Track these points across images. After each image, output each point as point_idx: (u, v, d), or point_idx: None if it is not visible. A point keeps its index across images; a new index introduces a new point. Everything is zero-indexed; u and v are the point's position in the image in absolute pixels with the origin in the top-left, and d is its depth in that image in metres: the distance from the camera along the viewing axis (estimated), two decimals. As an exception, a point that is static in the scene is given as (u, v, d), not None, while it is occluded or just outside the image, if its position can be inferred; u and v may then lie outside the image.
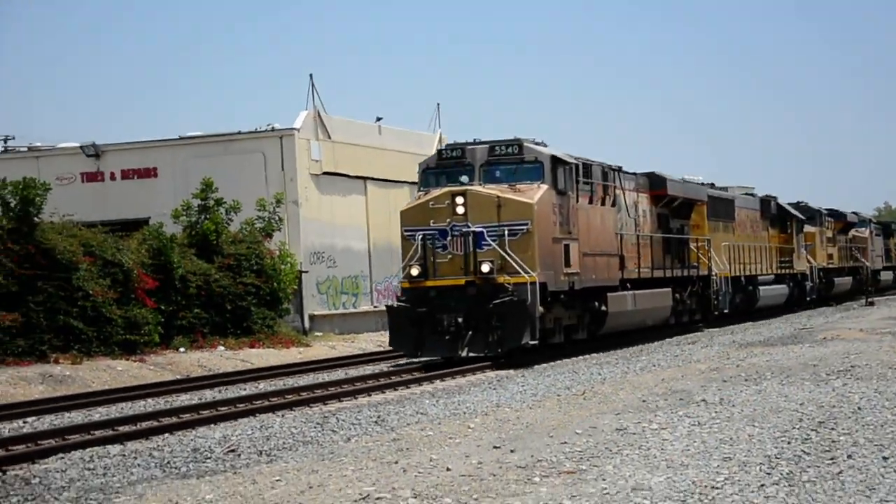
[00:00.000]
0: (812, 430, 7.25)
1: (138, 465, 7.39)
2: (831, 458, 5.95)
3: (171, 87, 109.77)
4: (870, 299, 34.47)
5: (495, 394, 11.55)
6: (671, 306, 21.04)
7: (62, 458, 7.93)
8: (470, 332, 14.72)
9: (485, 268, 14.62)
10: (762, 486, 5.16)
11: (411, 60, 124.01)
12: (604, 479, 5.52)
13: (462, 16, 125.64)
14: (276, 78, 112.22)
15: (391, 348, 16.85)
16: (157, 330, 18.40)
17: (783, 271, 30.14)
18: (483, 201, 14.89)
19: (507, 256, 14.63)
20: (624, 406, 9.34)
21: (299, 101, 26.65)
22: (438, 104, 32.14)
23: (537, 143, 16.12)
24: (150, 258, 19.25)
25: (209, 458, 7.61)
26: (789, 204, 32.35)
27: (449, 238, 14.90)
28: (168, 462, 7.45)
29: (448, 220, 14.73)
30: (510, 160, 15.58)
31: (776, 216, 30.48)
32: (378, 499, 5.31)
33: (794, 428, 7.40)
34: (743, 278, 26.23)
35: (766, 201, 29.91)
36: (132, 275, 18.16)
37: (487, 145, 15.65)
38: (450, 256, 15.02)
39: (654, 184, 21.16)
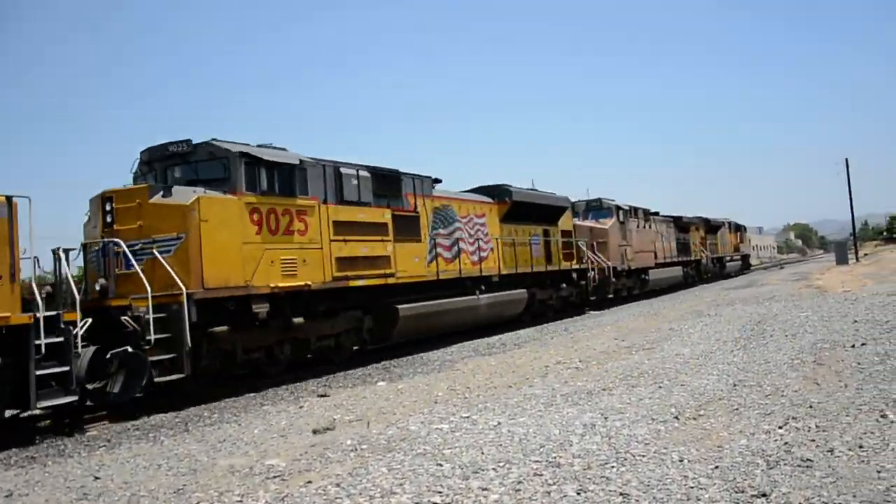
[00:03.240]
0: (755, 324, 14.46)
1: (465, 351, 15.19)
2: (762, 336, 12.94)
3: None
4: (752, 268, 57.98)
5: (616, 315, 21.11)
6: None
7: (433, 352, 15.98)
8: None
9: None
10: (732, 351, 11.93)
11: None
12: (662, 351, 12.41)
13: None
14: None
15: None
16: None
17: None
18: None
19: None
20: (672, 318, 17.63)
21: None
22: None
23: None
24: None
25: (494, 347, 15.49)
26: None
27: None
28: (477, 349, 15.40)
29: None
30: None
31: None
32: (561, 361, 12.23)
33: (747, 324, 14.61)
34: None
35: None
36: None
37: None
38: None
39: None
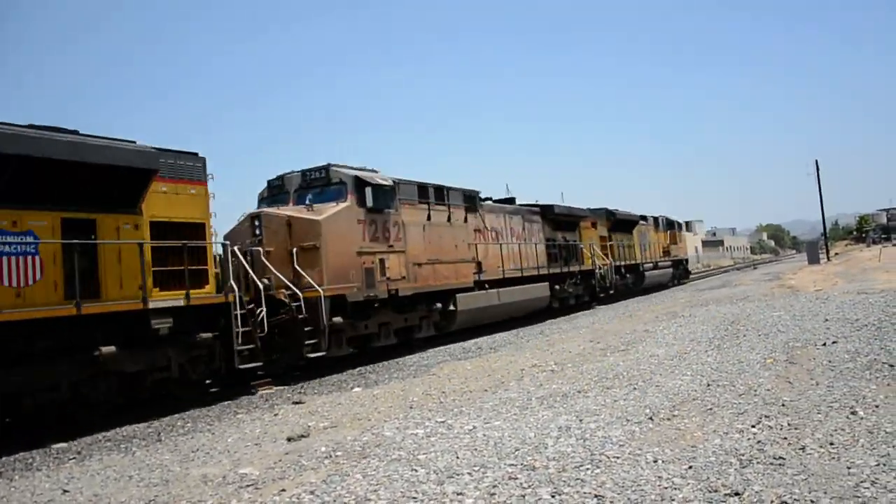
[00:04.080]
0: (728, 324, 14.57)
1: (440, 356, 15.08)
2: (736, 337, 13.04)
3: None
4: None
5: (592, 318, 20.99)
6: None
7: (409, 357, 16.00)
8: None
9: None
10: (706, 350, 12.01)
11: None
12: (637, 352, 12.45)
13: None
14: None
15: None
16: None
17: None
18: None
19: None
20: (647, 319, 17.61)
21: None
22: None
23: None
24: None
25: (470, 351, 15.43)
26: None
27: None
28: (452, 353, 15.35)
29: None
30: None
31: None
32: (537, 364, 12.24)
33: (720, 324, 14.72)
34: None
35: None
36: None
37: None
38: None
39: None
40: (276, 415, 10.09)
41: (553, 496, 5.11)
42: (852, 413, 6.71)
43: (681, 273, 44.11)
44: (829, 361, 9.42)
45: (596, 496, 5.04)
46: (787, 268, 46.51)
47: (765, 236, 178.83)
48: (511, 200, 24.85)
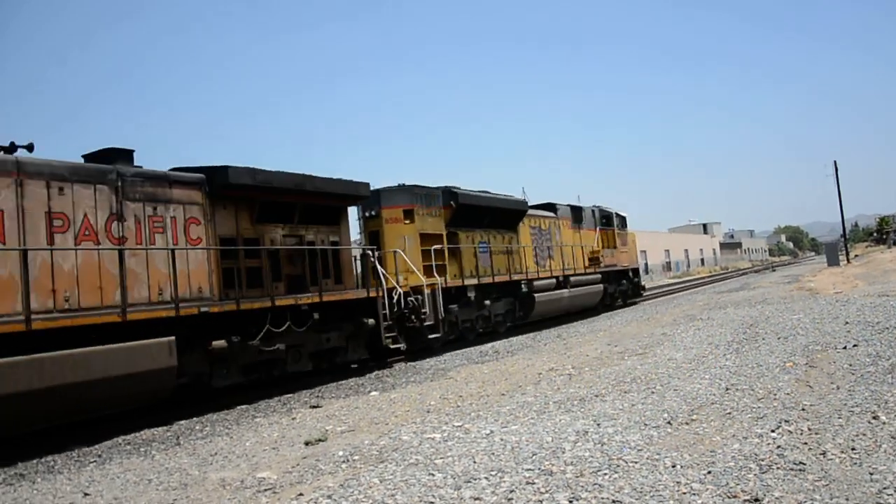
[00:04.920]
0: (747, 328, 14.46)
1: (457, 359, 15.11)
2: (755, 340, 12.94)
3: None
4: None
5: (610, 320, 21.08)
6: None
7: (427, 361, 16.37)
8: None
9: None
10: (724, 354, 11.91)
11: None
12: (655, 356, 12.39)
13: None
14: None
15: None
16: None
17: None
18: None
19: None
20: (665, 323, 17.61)
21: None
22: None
23: None
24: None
25: (487, 355, 15.48)
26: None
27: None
28: (469, 357, 15.42)
29: None
30: None
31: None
32: (554, 368, 12.20)
33: (739, 328, 14.61)
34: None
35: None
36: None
37: None
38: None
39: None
40: (293, 419, 10.13)
41: (571, 501, 5.09)
42: (874, 418, 6.64)
43: (626, 290, 30.81)
44: (850, 365, 9.32)
45: (614, 501, 5.02)
46: (807, 270, 46.15)
47: (783, 238, 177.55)
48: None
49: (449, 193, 19.53)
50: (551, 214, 25.41)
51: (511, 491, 5.43)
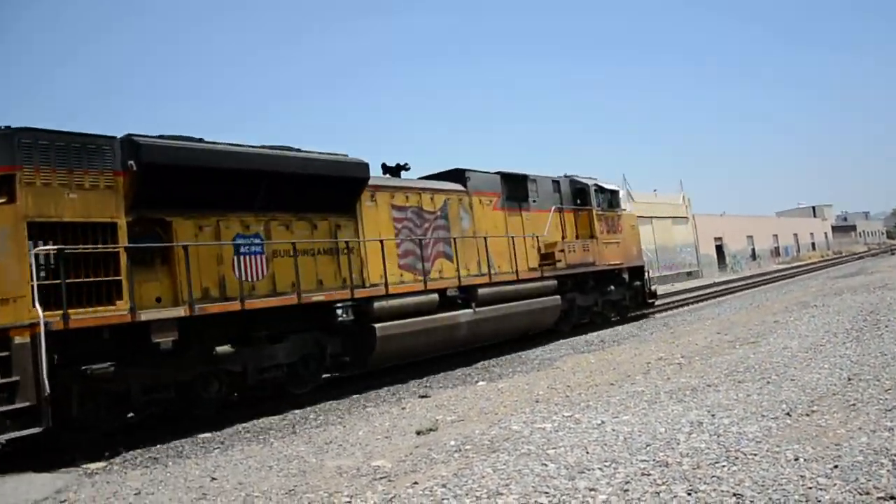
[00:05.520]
0: (868, 314, 13.79)
1: (563, 349, 15.10)
2: (877, 327, 12.32)
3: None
4: None
5: (718, 309, 20.89)
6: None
7: (532, 350, 16.22)
8: None
9: None
10: (843, 343, 11.39)
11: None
12: (768, 345, 11.97)
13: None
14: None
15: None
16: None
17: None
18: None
19: None
20: (777, 310, 17.09)
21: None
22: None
23: None
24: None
25: (592, 344, 15.46)
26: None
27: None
28: (574, 347, 15.37)
29: None
30: None
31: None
32: (663, 358, 11.97)
33: (858, 314, 13.95)
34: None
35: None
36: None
37: None
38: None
39: None
40: (403, 408, 10.35)
41: (689, 493, 5.02)
42: None
43: (620, 300, 21.02)
44: None
45: (735, 495, 4.91)
46: (931, 252, 43.52)
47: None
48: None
49: (130, 144, 9.89)
50: (454, 187, 15.81)
51: (626, 482, 5.39)
